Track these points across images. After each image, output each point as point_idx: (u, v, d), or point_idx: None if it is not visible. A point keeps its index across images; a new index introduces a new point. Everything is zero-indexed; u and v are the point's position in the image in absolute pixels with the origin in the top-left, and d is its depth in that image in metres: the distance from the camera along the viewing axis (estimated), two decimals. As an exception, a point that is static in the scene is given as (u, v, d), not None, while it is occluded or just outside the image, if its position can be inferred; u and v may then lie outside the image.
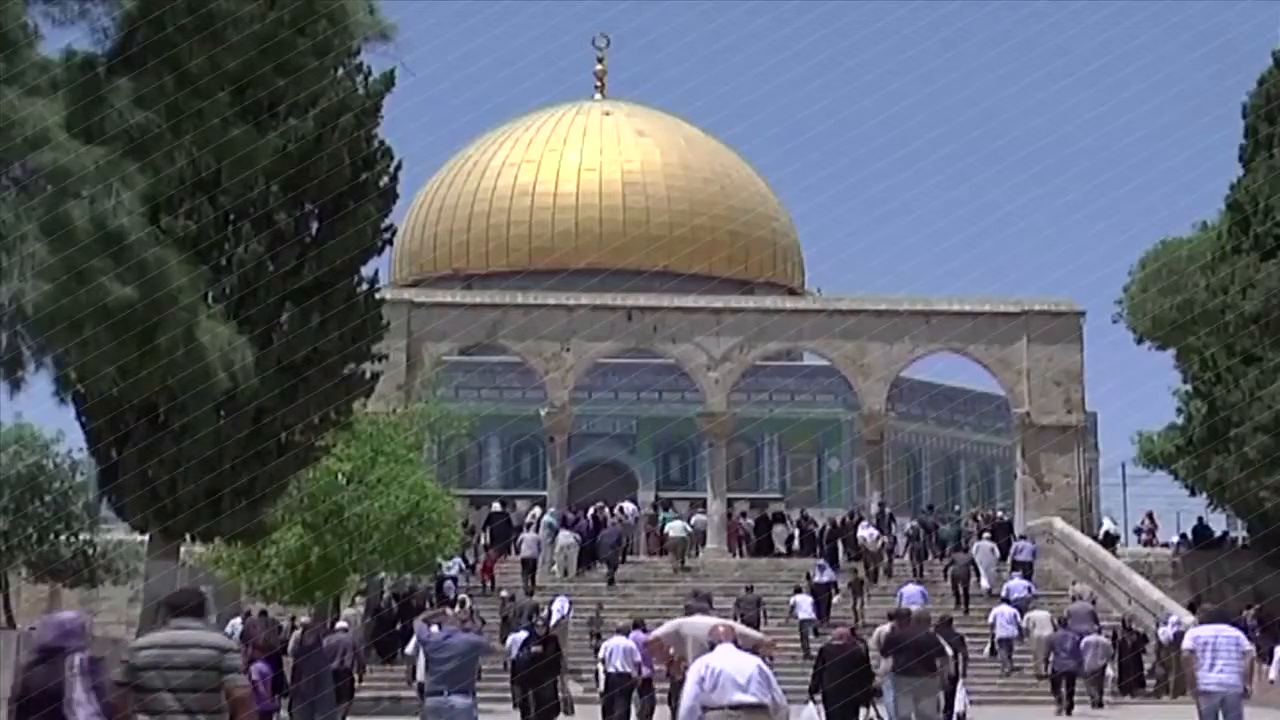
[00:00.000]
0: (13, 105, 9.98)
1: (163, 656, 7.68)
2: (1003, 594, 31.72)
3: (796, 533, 38.18)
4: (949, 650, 17.73)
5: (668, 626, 12.67)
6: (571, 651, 26.09)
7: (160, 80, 11.01)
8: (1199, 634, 14.57)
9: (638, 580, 34.52)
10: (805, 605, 30.06)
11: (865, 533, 35.31)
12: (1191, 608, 30.46)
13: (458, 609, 25.51)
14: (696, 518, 38.65)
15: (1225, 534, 38.24)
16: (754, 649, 11.45)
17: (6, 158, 10.24)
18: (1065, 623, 28.69)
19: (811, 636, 28.93)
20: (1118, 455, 75.34)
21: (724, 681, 9.80)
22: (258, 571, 26.87)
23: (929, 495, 53.29)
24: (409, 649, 21.57)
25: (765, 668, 10.13)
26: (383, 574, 30.25)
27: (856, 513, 39.06)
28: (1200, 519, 37.49)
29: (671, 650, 12.31)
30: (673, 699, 12.62)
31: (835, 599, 31.53)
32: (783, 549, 37.57)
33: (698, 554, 37.20)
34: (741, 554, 37.59)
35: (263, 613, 28.55)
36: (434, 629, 13.28)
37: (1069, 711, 25.76)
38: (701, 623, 12.10)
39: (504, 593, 31.37)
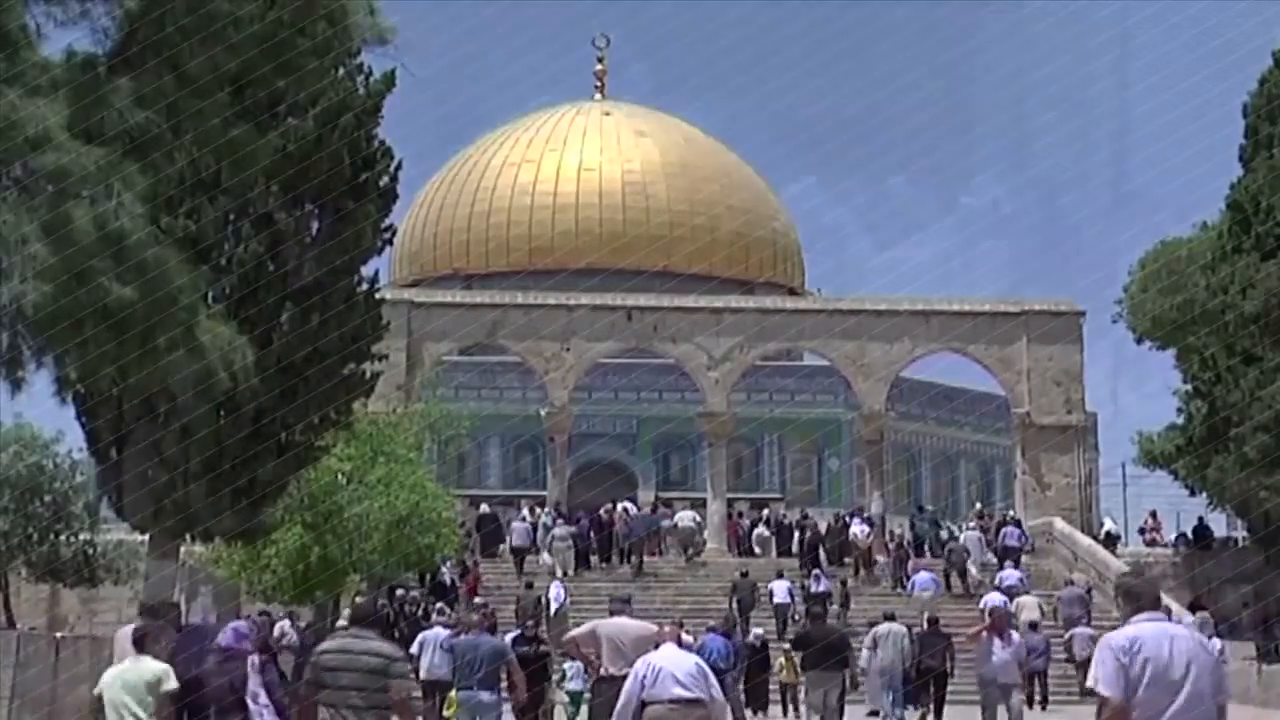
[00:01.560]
0: (13, 105, 9.98)
1: (342, 660, 8.76)
2: (995, 582, 32.10)
3: (796, 535, 38.12)
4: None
5: (584, 627, 13.38)
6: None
7: (160, 80, 11.01)
8: None
9: (640, 579, 34.46)
10: (780, 590, 30.79)
11: (856, 529, 35.51)
12: (1191, 608, 30.51)
13: (476, 615, 25.50)
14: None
15: (1231, 538, 38.19)
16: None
17: (7, 158, 10.25)
18: (1056, 610, 29.96)
19: (791, 621, 29.78)
20: (1118, 455, 75.34)
21: (664, 677, 10.30)
22: (258, 571, 26.86)
23: (929, 495, 53.26)
24: (413, 648, 21.57)
25: (704, 666, 10.66)
26: (383, 576, 30.19)
27: (842, 517, 38.94)
28: (1200, 519, 37.50)
29: (589, 650, 12.93)
30: (594, 695, 13.65)
31: (833, 609, 31.77)
32: (759, 550, 37.56)
33: (700, 553, 37.22)
34: (741, 554, 37.60)
35: (263, 613, 28.51)
36: (465, 635, 14.78)
37: (1043, 709, 26.64)
38: (618, 624, 12.69)
39: (478, 599, 31.19)
